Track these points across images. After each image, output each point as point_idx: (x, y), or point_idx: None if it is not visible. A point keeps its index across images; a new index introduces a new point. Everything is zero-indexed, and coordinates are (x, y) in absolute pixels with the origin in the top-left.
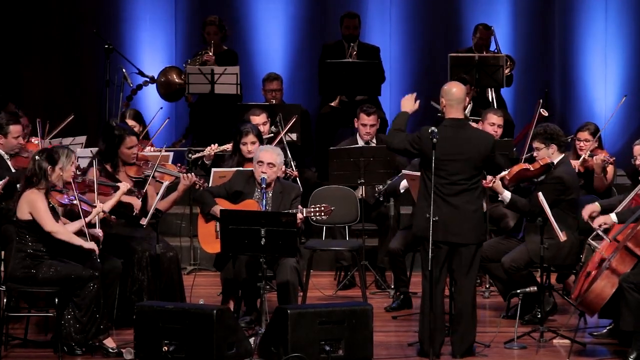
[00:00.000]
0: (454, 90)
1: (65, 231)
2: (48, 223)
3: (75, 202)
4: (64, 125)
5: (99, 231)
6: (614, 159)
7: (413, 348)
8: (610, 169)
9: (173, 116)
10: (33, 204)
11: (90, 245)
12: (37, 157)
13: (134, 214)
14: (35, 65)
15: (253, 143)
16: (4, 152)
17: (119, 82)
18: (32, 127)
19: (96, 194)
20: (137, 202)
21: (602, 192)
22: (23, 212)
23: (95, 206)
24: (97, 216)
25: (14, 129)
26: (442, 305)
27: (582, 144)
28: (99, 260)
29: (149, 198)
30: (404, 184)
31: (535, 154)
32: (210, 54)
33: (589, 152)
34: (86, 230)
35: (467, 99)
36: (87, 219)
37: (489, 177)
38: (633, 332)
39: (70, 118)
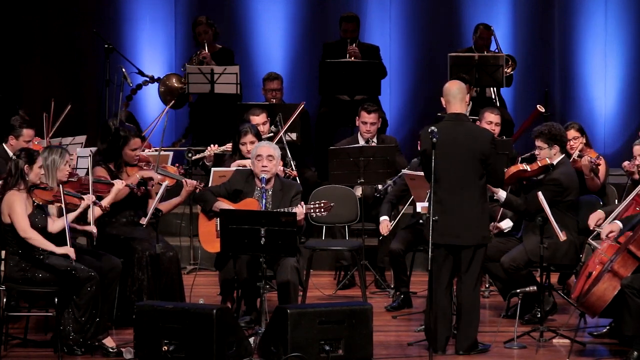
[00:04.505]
0: (448, 85)
1: (37, 237)
2: (22, 227)
3: (60, 198)
4: (64, 116)
5: (92, 228)
6: (602, 159)
7: (413, 348)
8: (601, 168)
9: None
10: (11, 206)
11: (63, 250)
12: (14, 157)
13: (148, 188)
14: (35, 65)
15: (252, 142)
16: (13, 155)
17: (118, 81)
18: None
19: (91, 191)
20: (155, 176)
21: (597, 191)
22: (4, 215)
23: (84, 198)
24: (94, 213)
25: (27, 133)
26: (447, 303)
27: (572, 142)
28: (74, 263)
29: (148, 198)
30: None
31: (536, 152)
32: (205, 51)
33: (577, 152)
34: (76, 225)
35: (467, 98)
36: (75, 213)
37: None
38: (633, 336)
39: (68, 108)
